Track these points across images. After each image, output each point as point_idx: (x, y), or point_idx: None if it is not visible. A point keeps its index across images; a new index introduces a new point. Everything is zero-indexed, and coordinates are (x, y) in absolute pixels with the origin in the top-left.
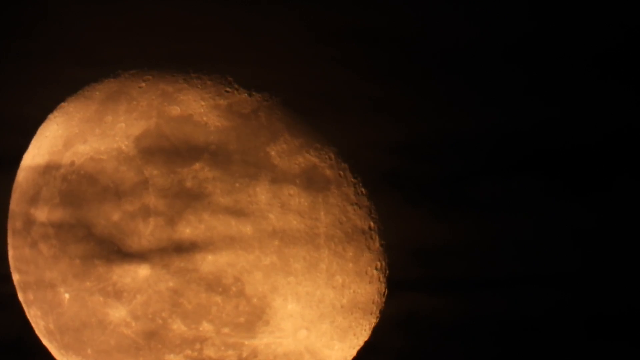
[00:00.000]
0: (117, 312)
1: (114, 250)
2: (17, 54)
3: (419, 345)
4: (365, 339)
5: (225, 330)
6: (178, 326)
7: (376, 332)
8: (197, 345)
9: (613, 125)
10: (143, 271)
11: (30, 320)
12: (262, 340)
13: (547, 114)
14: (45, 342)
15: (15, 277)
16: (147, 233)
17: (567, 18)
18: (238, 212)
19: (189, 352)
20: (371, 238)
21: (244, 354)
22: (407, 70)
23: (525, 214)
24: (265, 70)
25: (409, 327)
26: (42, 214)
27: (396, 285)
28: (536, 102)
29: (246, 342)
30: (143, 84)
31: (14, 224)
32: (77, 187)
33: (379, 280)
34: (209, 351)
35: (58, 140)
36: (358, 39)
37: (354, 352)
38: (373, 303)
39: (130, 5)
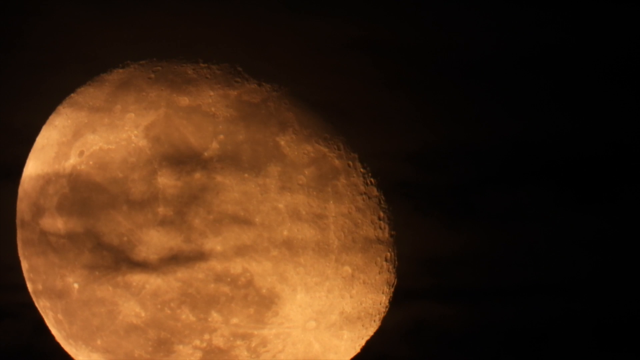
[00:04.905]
0: (126, 302)
1: (124, 242)
2: (22, 59)
3: (427, 355)
4: (375, 329)
5: (234, 320)
6: (187, 316)
7: (384, 340)
8: (206, 336)
9: (623, 136)
10: (152, 260)
11: (40, 311)
12: (271, 331)
13: (557, 125)
14: (54, 332)
15: (26, 278)
16: (156, 222)
17: (579, 32)
18: (247, 203)
19: (197, 342)
20: (380, 228)
21: (253, 344)
22: (418, 80)
23: (534, 224)
24: (275, 60)
25: (418, 336)
26: (50, 219)
27: (405, 294)
28: (547, 114)
29: (255, 333)
30: (152, 75)
31: (23, 232)
32: (85, 181)
33: (389, 270)
34: (218, 341)
35: (67, 130)
36: (370, 46)
37: (362, 343)
38: (382, 294)
39: None
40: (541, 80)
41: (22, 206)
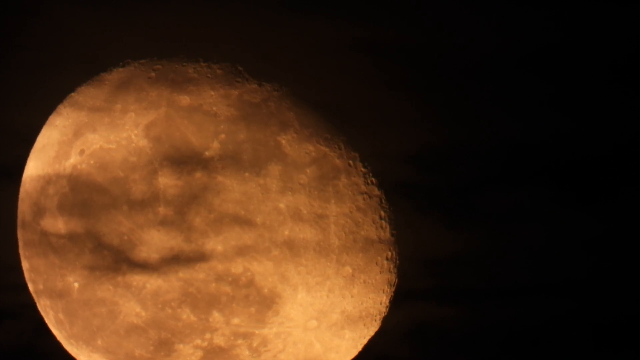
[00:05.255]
0: (127, 302)
1: (125, 241)
2: (22, 60)
3: (428, 355)
4: (376, 329)
5: (235, 320)
6: (188, 316)
7: (385, 341)
8: (207, 335)
9: (622, 136)
10: (153, 259)
11: (41, 311)
12: (272, 330)
13: (557, 126)
14: (55, 332)
15: (28, 280)
16: (157, 221)
17: (579, 33)
18: (248, 202)
19: (198, 341)
20: (381, 227)
21: (254, 344)
22: (419, 80)
23: (534, 224)
24: (276, 61)
25: (418, 337)
26: (51, 219)
27: (406, 294)
28: (547, 115)
29: (256, 332)
30: (153, 74)
31: (24, 233)
32: (86, 181)
33: (389, 270)
34: (219, 341)
35: (68, 130)
36: (371, 47)
37: (364, 342)
38: (383, 293)
39: None
40: (541, 82)
41: (23, 207)
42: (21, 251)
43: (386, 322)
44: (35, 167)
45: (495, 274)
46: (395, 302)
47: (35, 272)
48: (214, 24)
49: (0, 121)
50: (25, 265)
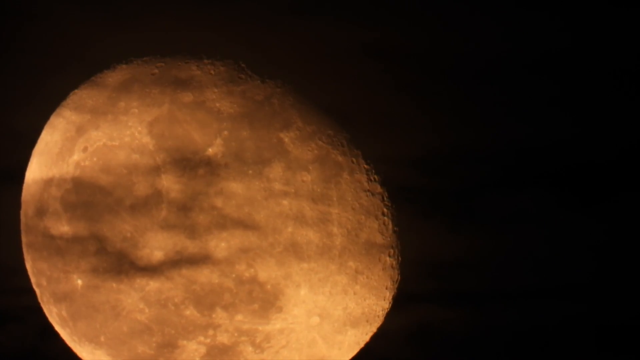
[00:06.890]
0: (130, 299)
1: (128, 239)
2: (22, 62)
3: (430, 358)
4: (378, 325)
5: (239, 316)
6: (191, 312)
7: (387, 343)
8: (210, 332)
9: (624, 140)
10: (156, 257)
11: (44, 309)
12: (275, 327)
13: (560, 130)
14: (58, 329)
15: (32, 280)
16: (160, 218)
17: (583, 37)
18: (251, 199)
19: (202, 338)
20: (384, 224)
21: (257, 340)
22: (423, 84)
23: (537, 227)
24: (279, 56)
25: (421, 340)
26: (54, 221)
27: (408, 297)
28: (549, 118)
29: (259, 328)
30: (156, 71)
31: (27, 235)
32: (89, 180)
33: (392, 267)
34: (222, 337)
35: (70, 127)
36: (375, 51)
37: (366, 338)
38: (386, 289)
39: None
40: (545, 86)
41: (26, 208)
42: (25, 252)
43: (388, 324)
44: (37, 168)
45: (498, 277)
46: (398, 305)
47: (38, 273)
48: (218, 23)
49: (2, 123)
50: (28, 266)
